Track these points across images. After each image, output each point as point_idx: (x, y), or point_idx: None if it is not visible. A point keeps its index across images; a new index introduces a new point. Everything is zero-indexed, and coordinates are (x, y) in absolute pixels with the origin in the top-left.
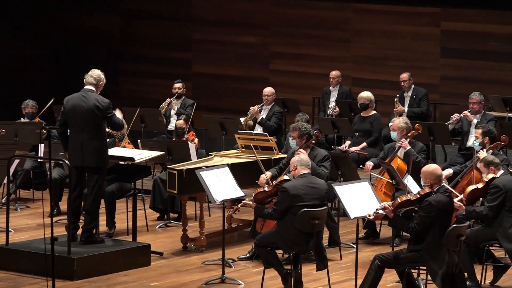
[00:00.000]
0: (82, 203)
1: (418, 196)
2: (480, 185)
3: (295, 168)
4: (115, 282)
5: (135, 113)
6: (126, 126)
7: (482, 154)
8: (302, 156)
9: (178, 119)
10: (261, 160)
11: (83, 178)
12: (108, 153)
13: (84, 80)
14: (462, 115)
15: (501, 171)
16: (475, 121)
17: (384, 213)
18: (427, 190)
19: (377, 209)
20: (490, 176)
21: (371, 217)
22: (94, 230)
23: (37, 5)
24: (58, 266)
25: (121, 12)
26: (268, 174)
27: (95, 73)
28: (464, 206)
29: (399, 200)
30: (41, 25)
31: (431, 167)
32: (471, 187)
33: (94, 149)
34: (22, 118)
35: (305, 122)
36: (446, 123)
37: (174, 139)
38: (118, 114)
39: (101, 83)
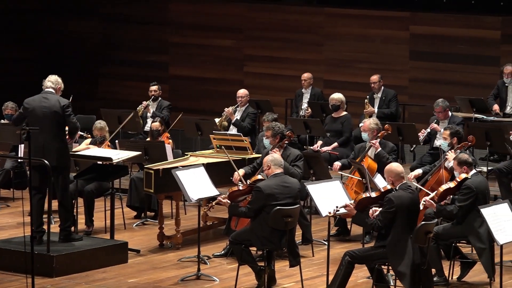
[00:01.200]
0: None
1: (380, 193)
2: (452, 184)
3: (268, 168)
4: (93, 279)
5: (113, 114)
6: (107, 129)
7: (451, 154)
8: (275, 156)
9: (153, 121)
10: (235, 160)
11: (46, 178)
12: (76, 153)
13: (43, 85)
14: (429, 129)
15: (473, 171)
16: (442, 130)
17: (346, 211)
18: (388, 187)
19: (338, 207)
20: (463, 176)
21: (331, 214)
22: (72, 228)
23: (19, 10)
24: (38, 263)
25: (100, 16)
26: (242, 171)
27: (53, 78)
28: (435, 204)
29: (362, 196)
30: (23, 29)
31: (392, 165)
32: (444, 186)
33: (56, 149)
34: (2, 120)
35: (273, 121)
36: (419, 139)
37: (148, 139)
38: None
39: (59, 86)
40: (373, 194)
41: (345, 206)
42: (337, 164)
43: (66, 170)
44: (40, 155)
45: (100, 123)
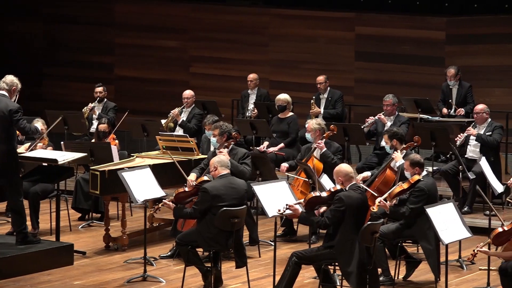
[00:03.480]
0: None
1: (330, 192)
2: (405, 185)
3: (215, 169)
4: (38, 281)
5: (58, 116)
6: (46, 127)
7: (397, 155)
8: (222, 157)
9: (101, 123)
10: (182, 161)
11: None
12: (19, 154)
13: None
14: (377, 117)
15: (424, 172)
16: (389, 123)
17: (291, 211)
18: (338, 187)
19: (284, 208)
20: (416, 177)
21: (279, 213)
22: (31, 229)
23: None
24: None
25: (43, 17)
26: (193, 176)
27: (8, 79)
28: (388, 206)
29: (312, 195)
30: None
31: (342, 166)
32: (398, 188)
33: (5, 152)
34: None
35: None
36: (362, 126)
37: (94, 141)
38: (39, 124)
39: (14, 88)
40: (323, 194)
41: (289, 207)
42: (284, 165)
43: (13, 173)
44: None
45: (38, 121)
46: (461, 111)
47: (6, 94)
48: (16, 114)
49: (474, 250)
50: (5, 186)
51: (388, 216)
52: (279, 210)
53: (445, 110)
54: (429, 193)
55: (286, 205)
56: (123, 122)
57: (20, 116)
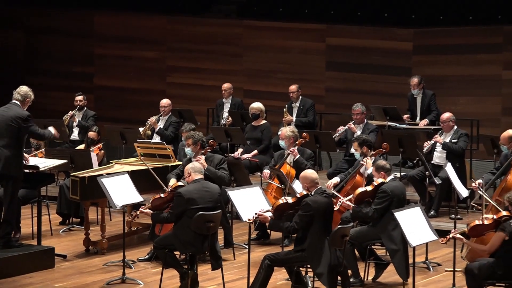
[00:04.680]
0: None
1: (296, 198)
2: (369, 188)
3: (189, 175)
4: (20, 284)
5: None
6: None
7: (368, 162)
8: (195, 163)
9: (91, 131)
10: (159, 167)
11: None
12: (21, 164)
13: (13, 96)
14: (347, 127)
15: (391, 177)
16: (358, 131)
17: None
18: (304, 192)
19: (253, 217)
20: (380, 180)
21: (250, 221)
22: (13, 233)
23: None
24: None
25: (25, 28)
26: (173, 181)
27: (23, 90)
28: (351, 206)
29: (279, 202)
30: None
31: (307, 172)
32: (360, 189)
33: (5, 157)
34: None
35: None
36: (333, 136)
37: (84, 147)
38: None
39: (27, 99)
40: (290, 200)
41: (258, 216)
42: (266, 172)
43: (14, 180)
44: None
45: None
46: (425, 121)
47: (19, 103)
48: (27, 122)
49: (449, 235)
50: (4, 191)
51: (353, 218)
52: (249, 220)
53: (405, 116)
54: (392, 194)
55: (256, 214)
56: (102, 130)
57: (31, 123)
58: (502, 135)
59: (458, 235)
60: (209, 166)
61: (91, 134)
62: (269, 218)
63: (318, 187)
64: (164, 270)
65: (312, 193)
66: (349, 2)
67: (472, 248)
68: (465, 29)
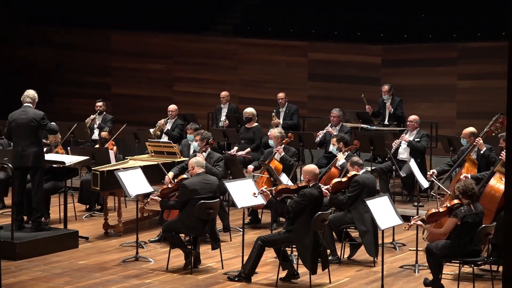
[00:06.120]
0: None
1: (297, 186)
2: (344, 179)
3: (192, 168)
4: (49, 261)
5: (67, 127)
6: (60, 136)
7: (340, 155)
8: (198, 159)
9: (103, 131)
10: (167, 162)
11: (25, 177)
12: (45, 157)
13: (22, 99)
14: (325, 130)
15: (363, 170)
16: (335, 133)
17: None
18: (304, 183)
19: (258, 192)
20: (353, 173)
21: (255, 196)
22: (43, 219)
23: None
24: (3, 249)
25: (53, 45)
26: (171, 174)
27: (31, 93)
28: (329, 194)
29: (282, 185)
30: None
31: (310, 167)
32: (336, 180)
33: (33, 153)
34: None
35: (196, 129)
36: (315, 141)
37: (98, 146)
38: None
39: (36, 100)
40: (292, 186)
41: (262, 192)
42: (250, 167)
43: (41, 171)
44: (19, 158)
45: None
46: (389, 107)
47: (31, 105)
48: (44, 120)
49: (411, 222)
50: (32, 182)
51: (330, 204)
52: (254, 194)
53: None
54: (363, 184)
55: (261, 190)
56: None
57: (47, 120)
58: (464, 131)
59: (419, 222)
60: (207, 163)
61: (104, 134)
62: (270, 196)
63: (316, 182)
64: (171, 249)
65: (310, 186)
66: (327, 23)
67: (431, 231)
68: (425, 46)
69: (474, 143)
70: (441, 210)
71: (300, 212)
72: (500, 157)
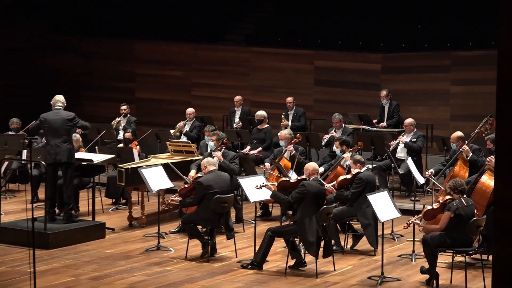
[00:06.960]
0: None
1: (297, 180)
2: (348, 176)
3: (205, 167)
4: (79, 250)
5: (95, 128)
6: (81, 140)
7: (347, 155)
8: (209, 158)
9: (127, 132)
10: (185, 160)
11: (56, 174)
12: (75, 154)
13: (52, 103)
14: (330, 135)
15: (365, 168)
16: (339, 135)
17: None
18: (303, 176)
19: (260, 185)
20: (356, 170)
21: (258, 188)
22: (74, 211)
23: (19, 48)
24: (37, 239)
25: (81, 53)
26: (193, 172)
27: (62, 98)
28: (335, 190)
29: (283, 179)
30: (25, 64)
31: (311, 164)
32: (342, 177)
33: (65, 149)
34: (9, 131)
35: (213, 131)
36: (322, 143)
37: (122, 145)
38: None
39: (65, 104)
40: (292, 180)
41: (265, 185)
42: (267, 165)
43: (72, 167)
44: (53, 155)
45: (75, 136)
46: (383, 124)
47: (62, 108)
48: (76, 119)
49: (409, 221)
50: (64, 177)
51: (336, 199)
52: (257, 186)
53: (378, 122)
54: (366, 181)
55: (263, 183)
56: (143, 132)
57: (78, 119)
58: (452, 135)
59: (417, 221)
60: (225, 160)
61: (127, 135)
62: (273, 188)
63: (316, 176)
64: (190, 240)
65: (310, 179)
66: (331, 33)
67: (429, 229)
68: (421, 54)
69: (461, 150)
70: (435, 206)
71: (299, 202)
72: (486, 162)
